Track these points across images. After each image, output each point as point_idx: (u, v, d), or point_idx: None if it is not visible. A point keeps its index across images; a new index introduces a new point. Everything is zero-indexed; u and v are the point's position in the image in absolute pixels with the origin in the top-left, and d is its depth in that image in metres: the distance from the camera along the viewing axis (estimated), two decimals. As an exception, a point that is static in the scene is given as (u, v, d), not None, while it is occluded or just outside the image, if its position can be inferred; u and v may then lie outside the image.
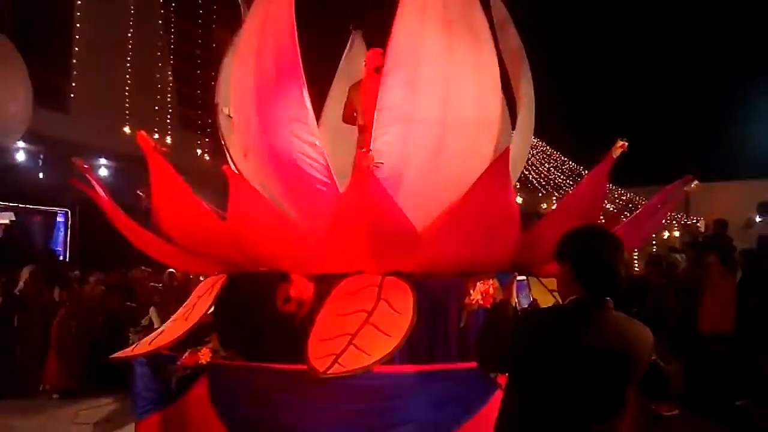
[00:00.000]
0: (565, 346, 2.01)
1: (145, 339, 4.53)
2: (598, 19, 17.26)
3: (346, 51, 6.11)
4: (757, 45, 15.66)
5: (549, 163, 17.02)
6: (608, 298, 2.14)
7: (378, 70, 4.33)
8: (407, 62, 3.79)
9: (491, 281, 4.07)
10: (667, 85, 17.88)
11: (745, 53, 16.08)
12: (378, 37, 4.74)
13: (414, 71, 3.80)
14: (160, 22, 14.41)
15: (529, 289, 4.33)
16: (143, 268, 9.20)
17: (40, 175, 11.58)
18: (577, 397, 2.04)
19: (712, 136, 16.58)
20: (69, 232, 13.15)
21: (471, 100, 3.95)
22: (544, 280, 4.39)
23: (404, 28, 3.81)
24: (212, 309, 4.48)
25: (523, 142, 5.07)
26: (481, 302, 4.06)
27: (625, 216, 5.73)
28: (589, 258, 2.14)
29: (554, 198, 17.08)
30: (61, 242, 13.24)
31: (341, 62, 6.10)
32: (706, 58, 17.32)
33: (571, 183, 16.88)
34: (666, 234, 14.88)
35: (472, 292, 4.07)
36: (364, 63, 5.18)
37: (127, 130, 12.25)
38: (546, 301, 4.23)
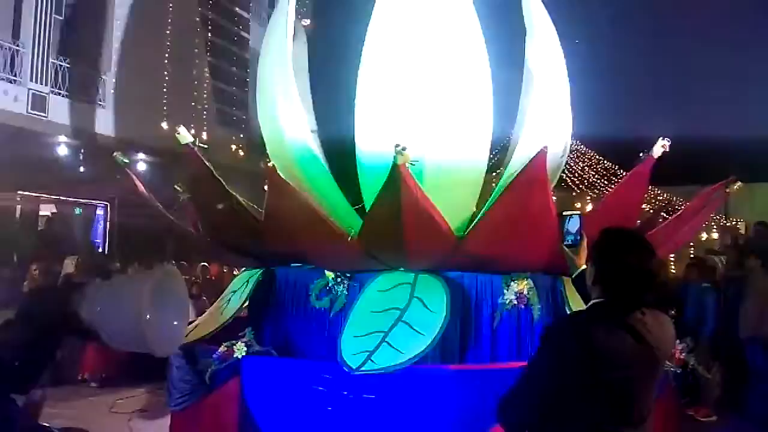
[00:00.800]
0: (581, 352, 1.97)
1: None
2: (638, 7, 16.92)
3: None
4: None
5: (583, 162, 16.77)
6: (636, 300, 2.07)
7: None
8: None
9: (526, 281, 4.05)
10: (706, 83, 17.45)
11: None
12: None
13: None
14: (197, 19, 14.60)
15: (564, 284, 4.27)
16: (180, 261, 9.35)
17: (81, 169, 11.86)
18: (600, 402, 1.99)
19: (753, 136, 16.12)
20: (108, 225, 13.44)
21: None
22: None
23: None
24: (247, 303, 4.54)
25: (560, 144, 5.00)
26: (515, 302, 4.04)
27: (663, 218, 5.60)
28: (610, 260, 2.09)
29: (588, 197, 16.83)
30: (101, 235, 13.54)
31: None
32: (748, 55, 16.85)
33: (605, 182, 16.62)
34: (704, 236, 14.53)
35: (506, 291, 4.06)
36: None
37: (164, 125, 12.46)
38: (581, 302, 4.18)
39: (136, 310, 2.75)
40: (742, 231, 13.45)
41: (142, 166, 12.58)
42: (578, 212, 2.73)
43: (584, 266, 2.51)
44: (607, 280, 2.06)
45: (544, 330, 2.08)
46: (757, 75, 16.29)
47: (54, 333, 2.93)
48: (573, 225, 2.63)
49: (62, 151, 11.66)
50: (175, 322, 3.11)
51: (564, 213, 2.70)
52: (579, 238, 2.62)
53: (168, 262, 9.60)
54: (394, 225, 3.56)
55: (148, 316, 2.78)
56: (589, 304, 2.12)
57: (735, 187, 4.30)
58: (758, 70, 16.35)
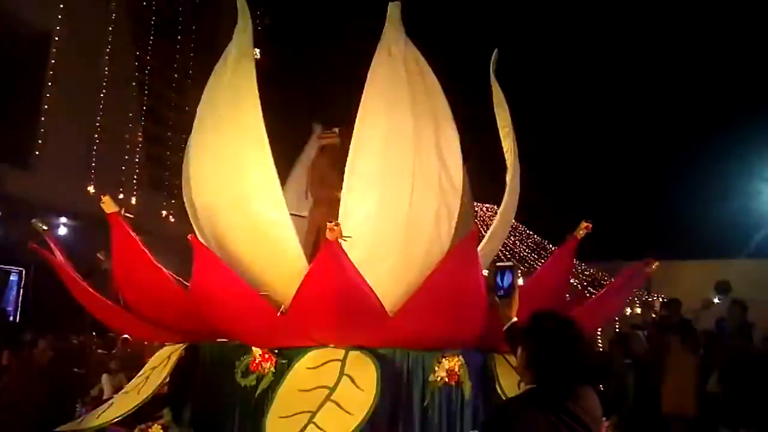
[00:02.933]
0: None
1: (93, 412, 4.31)
2: (561, 100, 17.98)
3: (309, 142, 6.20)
4: (716, 128, 16.42)
5: (514, 236, 17.28)
6: (569, 386, 2.08)
7: (322, 148, 5.23)
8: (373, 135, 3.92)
9: (457, 358, 4.02)
10: (627, 162, 18.52)
11: (704, 134, 16.84)
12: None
13: (381, 142, 3.94)
14: (134, 84, 14.49)
15: (495, 366, 4.28)
16: (95, 334, 8.87)
17: (-3, 232, 11.27)
18: None
19: (674, 215, 17.10)
20: (22, 292, 12.68)
21: (436, 174, 4.06)
22: (509, 358, 4.35)
23: (370, 106, 3.94)
24: (167, 381, 4.30)
25: (504, 224, 5.12)
26: (447, 380, 4.00)
27: (589, 292, 5.78)
28: (541, 345, 2.11)
29: (519, 271, 17.23)
30: (12, 302, 12.73)
31: (304, 150, 6.20)
32: (665, 139, 18.08)
33: (535, 257, 17.12)
34: (628, 310, 15.04)
35: (437, 369, 4.02)
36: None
37: (91, 189, 12.08)
38: (511, 379, 4.19)
39: None
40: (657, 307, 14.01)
41: (63, 231, 12.07)
42: (511, 264, 2.79)
43: (515, 319, 2.58)
44: (540, 365, 2.08)
45: (483, 425, 2.10)
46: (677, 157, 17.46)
47: None
48: (505, 277, 2.67)
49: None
50: None
51: (498, 264, 2.75)
52: (511, 290, 2.65)
53: (86, 334, 9.11)
54: (326, 301, 3.51)
55: None
56: (523, 390, 2.14)
57: (653, 266, 4.48)
58: (677, 153, 17.54)
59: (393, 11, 4.24)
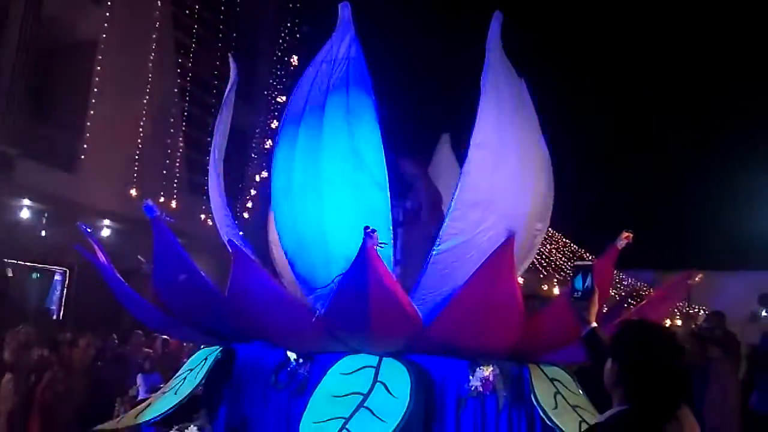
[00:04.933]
0: None
1: (131, 411, 4.39)
2: (600, 107, 17.73)
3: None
4: (762, 136, 15.98)
5: (551, 245, 17.04)
6: (669, 408, 1.80)
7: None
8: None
9: (491, 367, 3.98)
10: (669, 171, 18.14)
11: (748, 143, 16.39)
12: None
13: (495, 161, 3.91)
14: (175, 90, 14.79)
15: (530, 376, 4.22)
16: (137, 332, 9.04)
17: (42, 233, 11.60)
18: None
19: (716, 225, 16.65)
20: (66, 292, 13.03)
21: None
22: (545, 368, 4.29)
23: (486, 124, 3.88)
24: (203, 383, 4.36)
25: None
26: (480, 389, 3.96)
27: (628, 303, 5.66)
28: (635, 358, 1.85)
29: (555, 279, 17.00)
30: (56, 301, 13.09)
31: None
32: (708, 146, 17.65)
33: (571, 265, 16.84)
34: (668, 322, 14.70)
35: (471, 378, 3.98)
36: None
37: (133, 192, 12.35)
38: (547, 390, 4.12)
39: None
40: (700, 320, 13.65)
41: (106, 233, 12.36)
42: (590, 263, 2.59)
43: (594, 324, 2.37)
44: (635, 382, 1.82)
45: None
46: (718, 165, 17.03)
47: None
48: (583, 277, 2.48)
49: (24, 214, 11.42)
50: None
51: (576, 264, 2.57)
52: (590, 291, 2.42)
53: (125, 333, 9.30)
54: (360, 307, 3.51)
55: None
56: (612, 413, 1.88)
57: (697, 278, 4.37)
58: (719, 162, 17.10)
59: (496, 21, 4.13)
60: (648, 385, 1.80)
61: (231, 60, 4.95)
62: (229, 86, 4.88)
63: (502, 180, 3.89)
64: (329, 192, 3.96)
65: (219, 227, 4.66)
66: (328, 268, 3.93)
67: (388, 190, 3.91)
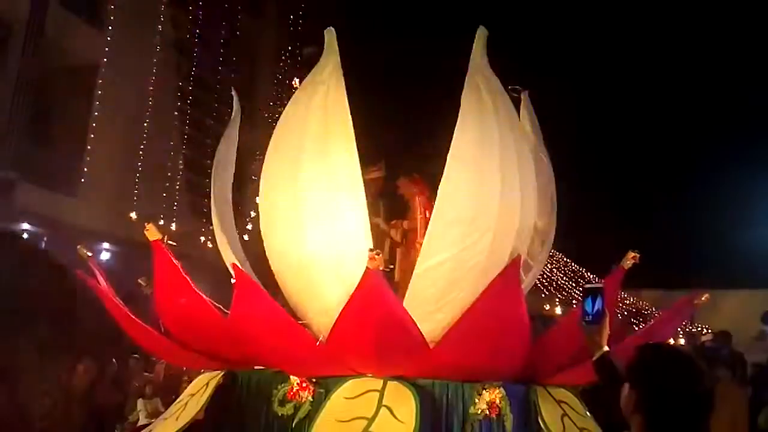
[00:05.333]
0: None
1: (132, 438, 4.32)
2: (601, 124, 17.80)
3: None
4: (763, 154, 16.02)
5: (551, 264, 17.00)
6: None
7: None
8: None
9: (498, 390, 3.93)
10: (670, 189, 18.16)
11: (750, 160, 16.41)
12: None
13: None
14: (176, 113, 14.85)
15: (537, 400, 4.17)
16: (136, 356, 8.95)
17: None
18: None
19: (718, 243, 16.63)
20: (65, 315, 12.92)
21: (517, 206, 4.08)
22: (551, 390, 4.24)
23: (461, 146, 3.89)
24: (205, 408, 4.30)
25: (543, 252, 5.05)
26: (487, 412, 3.91)
27: (631, 322, 5.62)
28: (656, 384, 1.78)
29: (557, 299, 16.93)
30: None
31: None
32: (709, 164, 17.68)
33: (573, 285, 16.79)
34: (671, 341, 14.61)
35: (477, 401, 3.92)
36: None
37: (133, 215, 12.33)
38: (554, 413, 4.07)
39: None
40: (710, 338, 13.57)
41: (106, 256, 12.32)
42: (600, 285, 2.51)
43: (606, 348, 2.31)
44: (655, 410, 1.74)
45: None
46: (719, 183, 17.05)
47: None
48: (594, 300, 2.40)
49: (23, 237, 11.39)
50: None
51: (587, 287, 2.49)
52: (601, 315, 2.35)
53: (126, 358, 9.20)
54: (365, 330, 3.47)
55: None
56: None
57: (703, 298, 4.34)
58: (720, 180, 17.13)
59: (480, 37, 4.19)
60: (670, 412, 1.74)
61: (234, 95, 4.97)
62: (231, 121, 4.92)
63: (484, 195, 3.89)
64: (310, 216, 4.02)
65: (222, 250, 4.65)
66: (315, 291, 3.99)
67: (365, 211, 3.97)
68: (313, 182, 4.01)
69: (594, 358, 2.32)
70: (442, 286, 3.82)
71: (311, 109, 4.16)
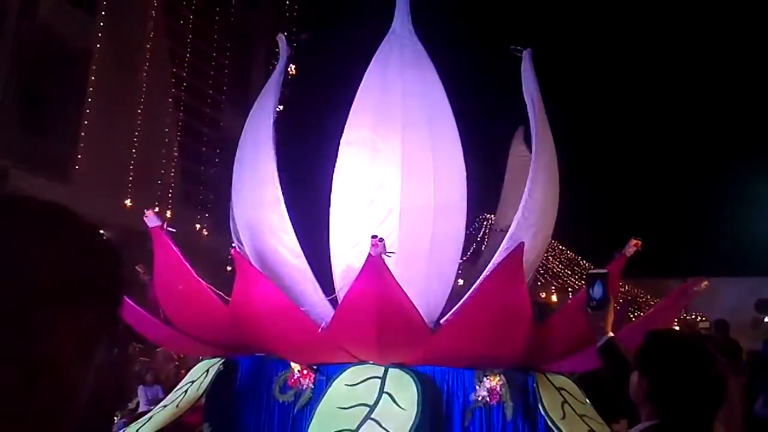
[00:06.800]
0: None
1: (132, 425, 4.31)
2: (597, 117, 17.81)
3: None
4: (760, 145, 16.10)
5: (547, 252, 17.05)
6: (706, 423, 1.73)
7: None
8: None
9: (499, 377, 3.93)
10: (664, 178, 18.22)
11: (742, 150, 16.49)
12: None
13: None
14: (170, 99, 14.74)
15: (537, 387, 4.17)
16: (135, 344, 8.93)
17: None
18: None
19: (710, 231, 16.73)
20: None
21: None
22: (551, 377, 4.25)
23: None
24: (205, 395, 4.29)
25: (543, 239, 5.04)
26: (488, 399, 3.91)
27: (631, 312, 5.62)
28: (667, 370, 1.75)
29: (553, 287, 17.00)
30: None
31: None
32: (704, 155, 17.74)
33: (569, 272, 16.86)
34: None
35: (478, 387, 3.93)
36: None
37: (128, 203, 12.28)
38: (554, 400, 4.08)
39: None
40: (707, 326, 13.66)
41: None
42: (604, 271, 2.49)
43: (611, 334, 2.29)
44: (667, 397, 1.71)
45: None
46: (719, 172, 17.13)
47: None
48: (598, 286, 2.39)
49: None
50: None
51: (590, 272, 2.48)
52: (605, 300, 2.34)
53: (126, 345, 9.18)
54: (367, 317, 3.46)
55: None
56: (642, 428, 1.79)
57: (702, 285, 4.34)
58: (716, 169, 17.19)
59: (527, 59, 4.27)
60: (682, 398, 1.72)
61: (281, 41, 4.76)
62: (277, 70, 4.72)
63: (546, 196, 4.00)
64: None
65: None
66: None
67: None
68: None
69: (599, 345, 2.31)
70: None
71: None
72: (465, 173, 4.18)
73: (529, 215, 3.86)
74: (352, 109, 4.05)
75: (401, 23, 4.26)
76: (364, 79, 4.14)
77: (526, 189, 3.92)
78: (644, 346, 1.89)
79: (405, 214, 3.93)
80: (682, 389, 1.73)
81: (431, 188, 4.08)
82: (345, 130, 4.04)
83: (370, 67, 4.19)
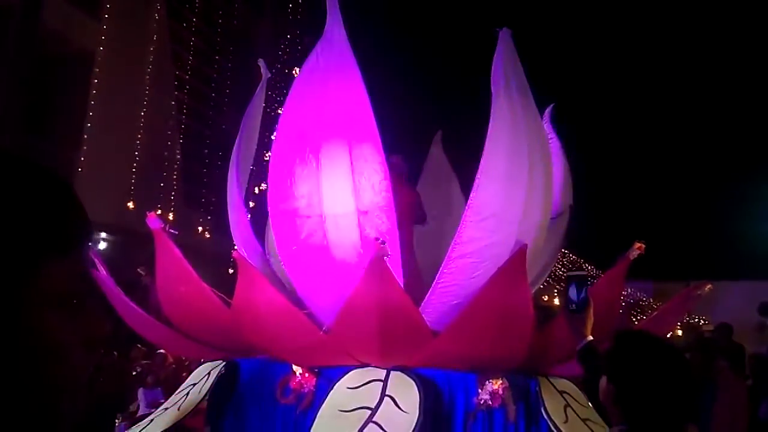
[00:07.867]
0: None
1: (133, 428, 4.30)
2: (601, 121, 17.81)
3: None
4: (765, 149, 16.06)
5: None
6: (674, 428, 1.65)
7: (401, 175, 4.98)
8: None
9: (501, 380, 3.91)
10: (668, 181, 18.19)
11: (747, 153, 16.46)
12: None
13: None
14: (173, 102, 14.76)
15: (540, 391, 4.15)
16: (138, 346, 8.92)
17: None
18: None
19: (714, 234, 16.68)
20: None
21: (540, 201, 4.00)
22: (554, 381, 4.22)
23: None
24: (207, 398, 4.28)
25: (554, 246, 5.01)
26: (490, 402, 3.89)
27: (634, 315, 5.60)
28: (632, 374, 1.68)
29: (555, 290, 16.94)
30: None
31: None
32: (709, 159, 17.72)
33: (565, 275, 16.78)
34: (669, 333, 14.65)
35: (480, 391, 3.91)
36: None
37: (130, 205, 12.28)
38: (557, 403, 4.05)
39: None
40: (710, 329, 13.60)
41: (103, 246, 12.27)
42: (584, 273, 2.44)
43: (590, 338, 2.25)
44: (635, 402, 1.64)
45: None
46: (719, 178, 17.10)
47: None
48: (579, 288, 2.34)
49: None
50: None
51: (570, 274, 2.42)
52: (585, 303, 2.29)
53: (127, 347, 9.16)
54: (369, 320, 3.45)
55: None
56: None
57: (706, 288, 4.33)
58: (719, 172, 17.16)
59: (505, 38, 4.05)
60: (648, 403, 1.63)
61: (261, 64, 4.87)
62: (257, 91, 4.83)
63: (515, 191, 3.83)
64: None
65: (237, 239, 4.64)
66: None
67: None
68: None
69: (578, 348, 2.27)
70: (463, 279, 3.73)
71: None
72: (388, 179, 3.91)
73: (483, 209, 3.73)
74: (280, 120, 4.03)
75: (333, 28, 4.11)
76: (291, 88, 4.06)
77: (474, 182, 3.77)
78: (611, 349, 1.81)
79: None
80: (648, 393, 1.64)
81: (351, 196, 3.84)
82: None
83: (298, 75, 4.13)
